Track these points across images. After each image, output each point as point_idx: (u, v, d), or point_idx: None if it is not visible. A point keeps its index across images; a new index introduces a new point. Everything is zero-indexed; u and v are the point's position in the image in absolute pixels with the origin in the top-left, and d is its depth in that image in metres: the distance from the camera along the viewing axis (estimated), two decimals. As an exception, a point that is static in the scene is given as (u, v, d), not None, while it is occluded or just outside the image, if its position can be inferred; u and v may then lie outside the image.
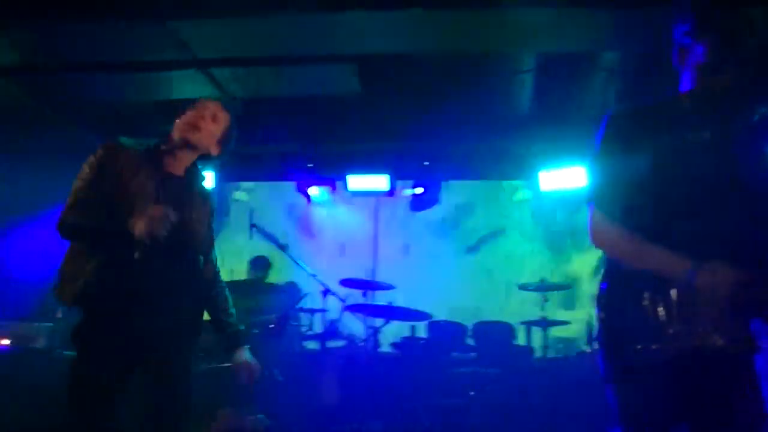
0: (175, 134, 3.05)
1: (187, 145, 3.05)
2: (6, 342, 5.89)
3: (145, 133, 7.41)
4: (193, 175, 3.16)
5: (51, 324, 6.04)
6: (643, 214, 2.12)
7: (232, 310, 3.34)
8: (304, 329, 6.34)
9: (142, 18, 5.11)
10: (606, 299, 2.20)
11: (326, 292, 6.11)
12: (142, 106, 7.06)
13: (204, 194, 3.19)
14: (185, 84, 6.26)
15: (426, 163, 7.22)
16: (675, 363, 2.00)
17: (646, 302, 2.05)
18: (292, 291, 6.75)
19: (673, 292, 2.02)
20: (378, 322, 5.96)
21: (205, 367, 5.49)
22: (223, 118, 3.16)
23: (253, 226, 6.06)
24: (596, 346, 2.24)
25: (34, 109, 6.82)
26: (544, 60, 5.56)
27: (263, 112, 6.90)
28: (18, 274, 7.34)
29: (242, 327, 3.41)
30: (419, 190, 7.26)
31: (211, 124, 3.11)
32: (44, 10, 5.07)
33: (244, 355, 3.27)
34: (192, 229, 3.05)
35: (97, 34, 5.42)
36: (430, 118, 6.41)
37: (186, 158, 3.13)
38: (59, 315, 6.14)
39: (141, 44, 5.55)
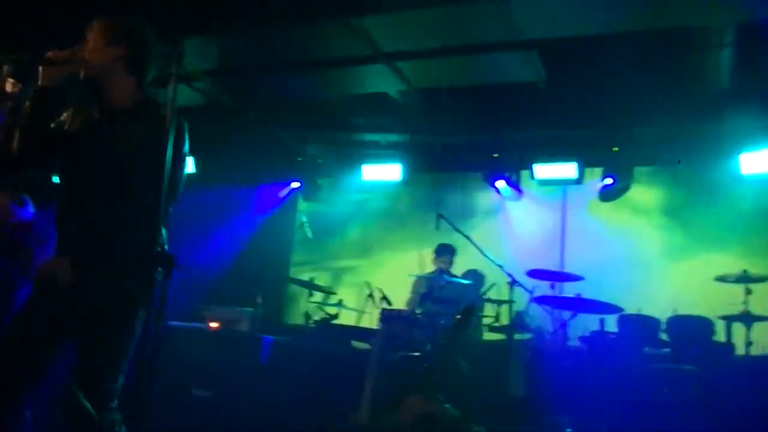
0: None
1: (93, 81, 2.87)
2: (216, 324, 6.37)
3: (338, 127, 7.76)
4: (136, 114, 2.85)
5: (252, 309, 6.45)
6: None
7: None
8: (490, 320, 6.30)
9: (329, 18, 5.30)
10: None
11: (513, 282, 6.03)
12: (333, 102, 7.34)
13: (154, 126, 2.71)
14: (372, 78, 6.42)
15: (615, 148, 6.91)
16: None
17: None
18: (478, 282, 6.74)
19: None
20: (566, 314, 5.81)
21: (395, 356, 5.62)
22: (90, 35, 2.85)
23: (440, 216, 6.10)
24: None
25: (235, 110, 7.29)
26: (745, 30, 5.11)
27: (447, 103, 6.93)
28: (228, 264, 7.90)
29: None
30: (608, 181, 6.96)
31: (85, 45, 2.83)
32: (242, 17, 5.41)
33: None
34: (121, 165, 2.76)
35: (289, 37, 5.71)
36: (619, 101, 6.11)
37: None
38: (259, 300, 6.55)
39: (329, 43, 5.76)
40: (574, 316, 5.78)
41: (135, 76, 2.87)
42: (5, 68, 3.48)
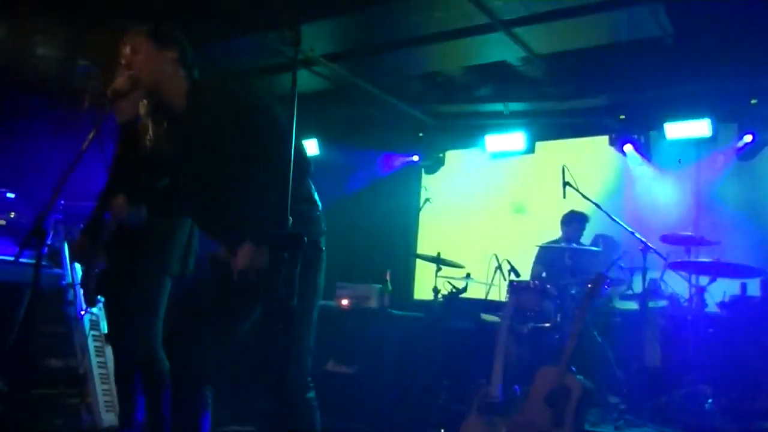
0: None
1: (151, 94, 2.83)
2: (347, 302, 6.54)
3: (460, 99, 7.74)
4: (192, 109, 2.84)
5: (380, 285, 6.57)
6: None
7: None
8: (623, 289, 6.12)
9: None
10: None
11: (645, 249, 5.82)
12: (453, 74, 7.31)
13: (210, 122, 2.78)
14: (492, 47, 6.35)
15: (754, 101, 6.49)
16: None
17: None
18: (608, 249, 6.55)
19: None
20: (703, 280, 5.55)
21: (525, 328, 5.58)
22: (134, 50, 2.82)
23: (566, 183, 5.96)
24: None
25: (356, 90, 7.41)
26: None
27: (569, 67, 6.75)
28: (356, 241, 8.07)
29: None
30: (748, 138, 6.55)
31: (131, 62, 2.79)
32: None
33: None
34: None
35: (406, 12, 5.73)
36: (756, 48, 5.72)
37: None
38: (387, 277, 6.66)
39: (446, 15, 5.73)
40: (712, 281, 5.52)
41: (186, 72, 2.85)
42: None
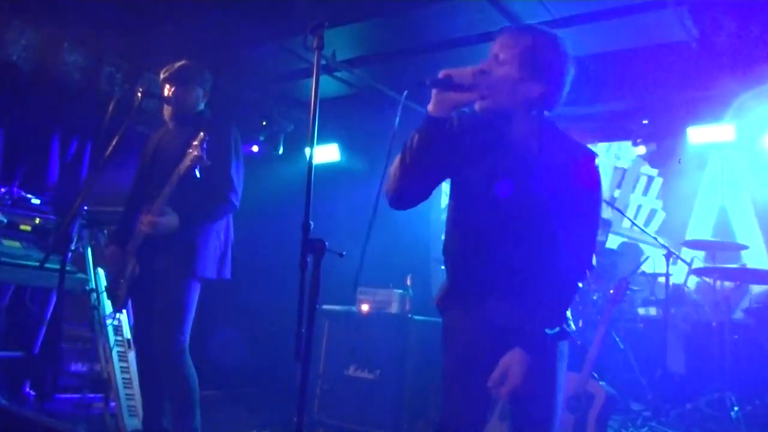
0: None
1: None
2: (367, 307, 6.52)
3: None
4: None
5: (401, 290, 6.55)
6: None
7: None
8: (645, 294, 6.07)
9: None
10: None
11: (669, 254, 5.78)
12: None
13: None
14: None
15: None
16: None
17: None
18: (632, 254, 6.49)
19: None
20: (729, 285, 5.50)
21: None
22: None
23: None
24: None
25: (379, 95, 7.40)
26: None
27: (589, 71, 6.70)
28: (377, 246, 8.05)
29: None
30: (773, 141, 6.47)
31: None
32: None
33: None
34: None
35: (428, 17, 5.73)
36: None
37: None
38: (408, 282, 6.64)
39: (470, 19, 5.73)
40: (738, 287, 5.47)
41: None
42: (162, 74, 3.77)
